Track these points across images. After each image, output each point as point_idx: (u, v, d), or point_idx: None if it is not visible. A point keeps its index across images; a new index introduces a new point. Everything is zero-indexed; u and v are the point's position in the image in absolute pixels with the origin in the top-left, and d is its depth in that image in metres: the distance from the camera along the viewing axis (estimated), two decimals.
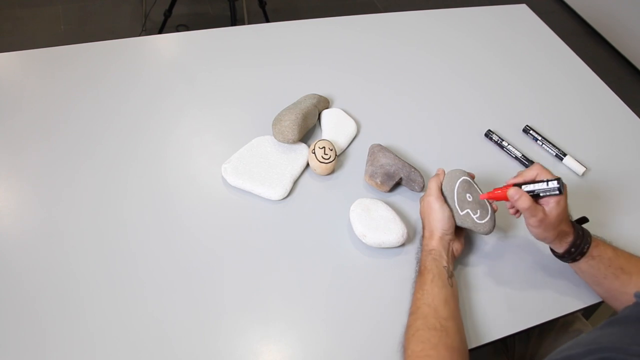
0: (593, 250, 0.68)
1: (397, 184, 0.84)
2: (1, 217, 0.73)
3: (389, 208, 0.77)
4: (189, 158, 0.84)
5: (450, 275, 0.67)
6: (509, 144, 0.92)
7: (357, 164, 0.87)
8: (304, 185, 0.83)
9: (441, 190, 0.73)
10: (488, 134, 0.94)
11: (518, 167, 0.91)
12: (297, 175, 0.83)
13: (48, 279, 0.67)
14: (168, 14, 2.04)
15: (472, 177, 0.77)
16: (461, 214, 0.72)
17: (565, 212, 0.66)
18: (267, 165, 0.82)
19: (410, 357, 0.60)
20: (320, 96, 0.93)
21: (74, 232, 0.72)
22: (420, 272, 0.68)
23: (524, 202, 0.65)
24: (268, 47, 1.07)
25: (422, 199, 0.75)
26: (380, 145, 0.87)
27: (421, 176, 0.82)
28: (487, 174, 0.88)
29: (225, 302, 0.68)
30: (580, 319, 0.86)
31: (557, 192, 0.65)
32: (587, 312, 0.98)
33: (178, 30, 2.10)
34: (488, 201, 0.74)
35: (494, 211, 0.74)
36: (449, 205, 0.72)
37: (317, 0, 2.64)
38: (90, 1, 2.42)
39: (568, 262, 0.70)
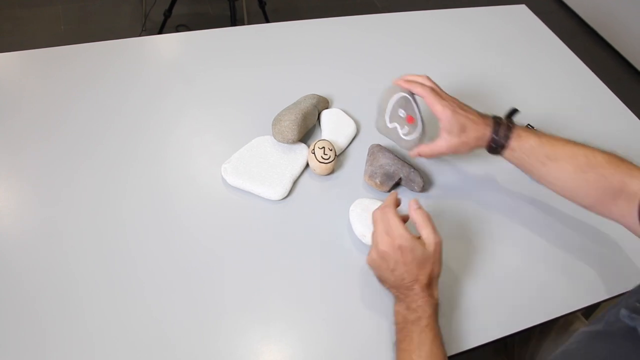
0: (513, 143, 0.72)
1: (397, 184, 0.84)
2: (1, 217, 0.73)
3: None
4: (188, 158, 0.84)
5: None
6: None
7: (356, 164, 0.87)
8: (303, 185, 0.83)
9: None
10: None
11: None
12: (297, 175, 0.83)
13: (48, 279, 0.67)
14: (168, 14, 2.04)
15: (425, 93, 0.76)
16: (389, 126, 0.79)
17: (452, 117, 0.73)
18: (267, 165, 0.82)
19: None
20: (320, 96, 0.93)
21: (73, 232, 0.72)
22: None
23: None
24: (268, 47, 1.07)
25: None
26: (380, 145, 0.87)
27: (421, 176, 0.82)
28: (486, 175, 0.88)
29: (225, 302, 0.68)
30: (580, 318, 0.86)
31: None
32: (587, 312, 0.98)
33: (178, 31, 2.10)
34: (423, 122, 0.79)
35: (424, 132, 0.79)
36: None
37: (317, 0, 2.64)
38: (90, 1, 2.42)
39: (496, 154, 0.76)
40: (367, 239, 0.74)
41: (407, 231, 0.64)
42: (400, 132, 0.78)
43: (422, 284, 0.62)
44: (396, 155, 0.84)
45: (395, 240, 0.63)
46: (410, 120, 0.78)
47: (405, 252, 0.62)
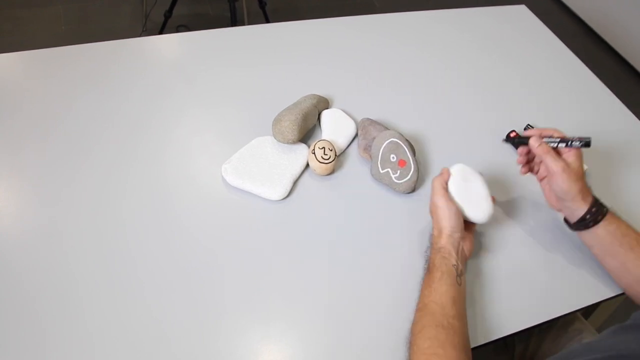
0: (609, 219, 0.71)
1: None
2: (1, 217, 0.73)
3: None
4: (189, 158, 0.84)
5: (460, 274, 0.67)
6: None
7: (357, 164, 0.87)
8: (303, 185, 0.83)
9: (446, 187, 0.73)
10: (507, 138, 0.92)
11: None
12: (297, 176, 0.83)
13: (48, 279, 0.67)
14: (168, 14, 2.04)
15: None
16: (381, 172, 0.81)
17: (582, 169, 0.72)
18: (267, 166, 0.82)
19: (416, 353, 0.59)
20: (320, 96, 0.93)
21: (73, 232, 0.72)
22: (429, 270, 0.68)
23: (544, 148, 0.72)
24: (268, 47, 1.07)
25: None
26: (370, 119, 0.89)
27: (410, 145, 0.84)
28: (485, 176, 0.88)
29: (225, 302, 0.68)
30: (580, 318, 0.86)
31: (586, 144, 0.70)
32: (587, 312, 0.98)
33: (178, 31, 2.10)
34: (417, 164, 0.81)
35: (418, 173, 0.80)
36: (455, 203, 0.71)
37: (317, 0, 2.64)
38: (90, 1, 2.43)
39: (581, 229, 0.72)
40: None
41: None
42: (393, 176, 0.80)
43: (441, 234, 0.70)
44: (386, 128, 0.85)
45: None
46: (402, 164, 0.80)
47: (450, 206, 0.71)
